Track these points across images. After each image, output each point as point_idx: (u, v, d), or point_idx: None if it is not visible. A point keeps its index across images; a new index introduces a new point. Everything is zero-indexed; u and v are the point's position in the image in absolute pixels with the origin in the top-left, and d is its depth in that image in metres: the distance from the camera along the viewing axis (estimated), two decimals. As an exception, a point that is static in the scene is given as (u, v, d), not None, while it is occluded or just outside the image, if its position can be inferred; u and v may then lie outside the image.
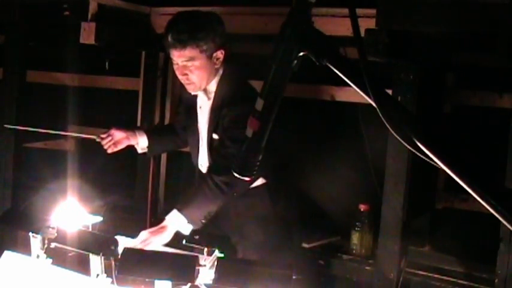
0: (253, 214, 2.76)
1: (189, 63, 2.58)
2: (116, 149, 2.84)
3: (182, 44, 2.53)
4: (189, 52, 2.55)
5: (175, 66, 2.64)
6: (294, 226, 2.95)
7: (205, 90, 2.68)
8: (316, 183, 3.46)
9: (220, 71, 2.67)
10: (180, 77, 2.65)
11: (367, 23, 2.59)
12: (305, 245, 3.30)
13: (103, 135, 2.81)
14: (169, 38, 2.56)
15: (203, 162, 2.80)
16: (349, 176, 3.45)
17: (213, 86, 2.67)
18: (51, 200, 2.25)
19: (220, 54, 2.62)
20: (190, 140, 2.87)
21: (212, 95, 2.68)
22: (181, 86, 2.87)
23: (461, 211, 3.38)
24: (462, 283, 3.02)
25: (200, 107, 2.76)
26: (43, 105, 4.05)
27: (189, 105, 2.83)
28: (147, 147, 2.92)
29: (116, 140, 2.81)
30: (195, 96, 2.77)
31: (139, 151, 2.94)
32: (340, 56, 1.30)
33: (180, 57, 2.58)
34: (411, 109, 2.76)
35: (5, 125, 2.92)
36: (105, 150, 2.85)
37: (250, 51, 3.49)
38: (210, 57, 2.59)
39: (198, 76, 2.61)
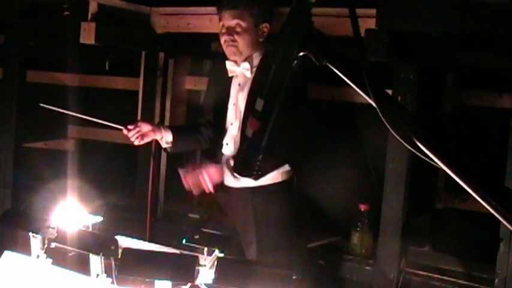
0: (272, 212, 2.79)
1: (237, 26, 2.75)
2: (142, 142, 2.89)
3: (235, 3, 2.74)
4: (239, 13, 2.75)
5: (221, 33, 2.79)
6: (303, 226, 2.96)
7: (250, 62, 2.79)
8: (316, 183, 3.46)
9: (263, 49, 2.82)
10: (225, 38, 2.78)
11: (367, 23, 2.60)
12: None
13: (130, 127, 2.85)
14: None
15: (231, 140, 2.85)
16: (349, 176, 3.44)
17: (256, 60, 2.81)
18: (51, 200, 2.24)
19: (265, 28, 2.80)
20: (217, 123, 2.95)
21: (255, 69, 2.81)
22: (208, 82, 3.08)
23: (461, 211, 3.38)
24: (462, 283, 3.02)
25: (239, 84, 2.85)
26: (43, 105, 4.05)
27: (218, 94, 2.92)
28: (171, 142, 2.95)
29: (143, 132, 2.86)
30: (229, 80, 2.86)
31: (164, 145, 2.97)
32: (340, 55, 1.30)
33: (229, 18, 2.76)
34: (411, 109, 2.76)
35: (40, 104, 2.92)
36: (132, 142, 2.89)
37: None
38: (256, 25, 2.77)
39: (242, 39, 2.76)
